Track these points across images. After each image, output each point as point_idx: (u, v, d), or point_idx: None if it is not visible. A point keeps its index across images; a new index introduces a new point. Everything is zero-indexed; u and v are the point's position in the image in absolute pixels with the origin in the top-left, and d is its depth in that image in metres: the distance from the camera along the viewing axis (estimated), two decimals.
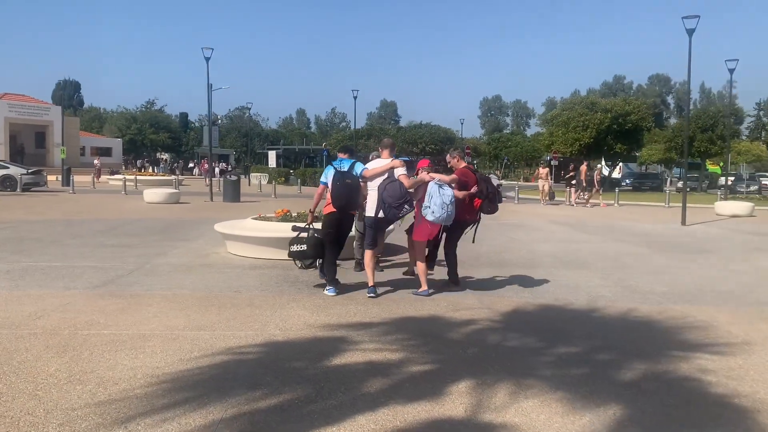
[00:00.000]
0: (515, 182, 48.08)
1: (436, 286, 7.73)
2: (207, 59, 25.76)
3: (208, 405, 3.94)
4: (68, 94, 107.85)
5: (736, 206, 22.28)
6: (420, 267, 7.41)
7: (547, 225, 17.16)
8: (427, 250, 7.70)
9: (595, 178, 26.16)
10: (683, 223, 17.82)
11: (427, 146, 50.09)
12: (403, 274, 8.54)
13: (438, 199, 6.97)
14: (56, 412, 3.80)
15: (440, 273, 8.27)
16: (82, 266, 9.06)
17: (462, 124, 72.26)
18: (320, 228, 7.53)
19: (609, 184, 36.17)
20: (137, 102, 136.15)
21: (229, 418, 3.76)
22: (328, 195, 7.26)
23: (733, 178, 42.54)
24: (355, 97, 44.66)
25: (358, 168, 7.20)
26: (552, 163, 41.08)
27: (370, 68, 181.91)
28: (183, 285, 7.91)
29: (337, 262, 7.67)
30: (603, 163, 47.30)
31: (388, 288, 7.71)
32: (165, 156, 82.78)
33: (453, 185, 7.24)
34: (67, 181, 32.30)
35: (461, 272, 8.11)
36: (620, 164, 54.48)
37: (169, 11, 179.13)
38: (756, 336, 5.99)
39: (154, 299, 7.00)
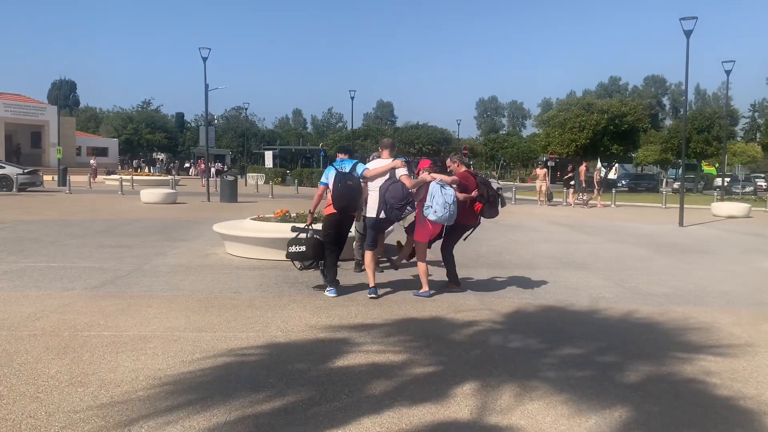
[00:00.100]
0: (512, 183, 48.11)
1: (437, 287, 7.71)
2: (204, 59, 25.69)
3: (212, 407, 3.91)
4: (64, 94, 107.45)
5: (733, 207, 22.35)
6: (421, 268, 7.39)
7: (545, 225, 17.16)
8: (413, 246, 7.67)
9: (594, 178, 26.15)
10: (681, 224, 17.84)
11: (423, 147, 50.06)
12: (388, 260, 8.54)
13: (440, 198, 6.95)
14: (58, 415, 3.76)
15: (440, 274, 8.25)
16: (81, 267, 9.01)
17: (459, 124, 72.39)
18: (320, 229, 7.49)
19: (605, 185, 36.17)
20: (133, 102, 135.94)
21: (233, 420, 3.72)
22: (329, 196, 7.23)
23: (728, 179, 42.63)
24: (352, 98, 44.64)
25: (360, 169, 7.17)
26: (549, 164, 41.13)
27: (366, 69, 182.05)
28: (182, 286, 7.87)
29: (338, 263, 7.64)
30: (599, 163, 47.37)
31: (389, 289, 7.69)
32: (161, 156, 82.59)
33: (454, 186, 7.22)
34: (63, 181, 32.19)
35: (461, 273, 8.08)
36: (616, 165, 54.63)
37: (165, 11, 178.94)
38: (759, 338, 5.98)
39: (154, 300, 6.96)
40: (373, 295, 7.20)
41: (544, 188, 26.79)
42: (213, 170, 33.06)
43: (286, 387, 4.30)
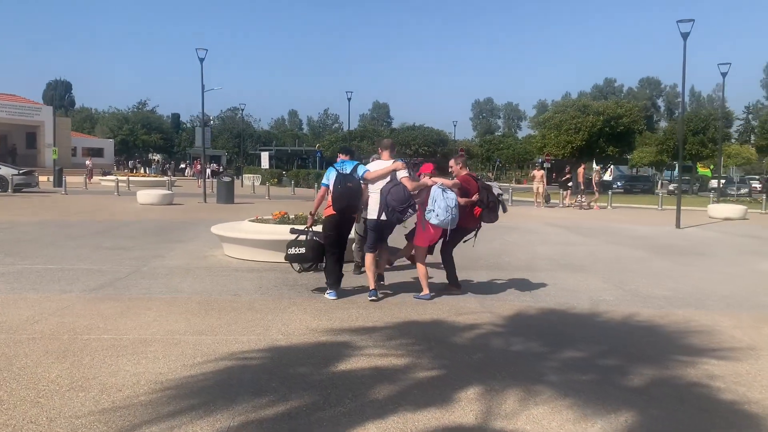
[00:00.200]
0: (508, 184, 48.17)
1: (437, 290, 7.68)
2: (201, 60, 25.64)
3: (215, 412, 3.88)
4: (59, 95, 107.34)
5: (729, 209, 22.40)
6: (421, 271, 7.37)
7: (542, 227, 17.17)
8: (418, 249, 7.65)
9: (594, 180, 26.13)
10: (678, 225, 17.86)
11: (420, 148, 50.02)
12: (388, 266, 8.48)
13: (442, 202, 6.92)
14: (60, 420, 3.72)
15: (440, 276, 8.23)
16: (79, 269, 8.95)
17: (455, 126, 72.40)
18: (320, 231, 7.46)
19: (600, 187, 36.21)
20: (129, 102, 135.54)
21: (237, 426, 3.69)
22: (329, 197, 7.20)
23: (723, 181, 42.75)
24: (349, 99, 44.66)
25: (361, 170, 7.15)
26: (545, 165, 41.18)
27: (362, 70, 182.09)
28: (181, 288, 7.83)
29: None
30: (594, 165, 47.46)
31: (389, 291, 7.66)
32: (157, 157, 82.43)
33: (455, 190, 7.20)
34: (58, 182, 32.06)
35: (460, 275, 8.04)
36: (611, 166, 54.74)
37: (162, 12, 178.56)
38: (760, 341, 5.98)
39: (153, 303, 6.92)
40: (373, 298, 7.17)
41: (541, 190, 26.80)
42: (208, 171, 33.06)
43: (289, 391, 4.27)
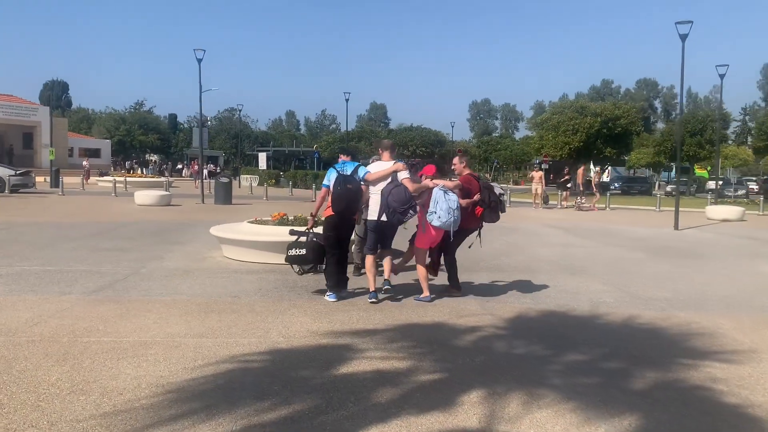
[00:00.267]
0: (505, 185, 48.17)
1: (437, 292, 7.66)
2: (199, 61, 25.60)
3: (217, 416, 3.85)
4: (56, 95, 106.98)
5: (727, 211, 22.42)
6: (421, 273, 7.35)
7: (541, 228, 17.16)
8: (430, 258, 7.63)
9: (593, 181, 26.09)
10: (676, 227, 17.87)
11: (417, 149, 50.03)
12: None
13: (444, 204, 6.90)
14: (61, 424, 3.69)
15: (441, 278, 8.20)
16: (77, 270, 8.91)
17: (453, 127, 72.20)
18: (320, 233, 7.44)
19: (600, 188, 36.25)
20: (126, 103, 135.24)
21: (239, 430, 3.67)
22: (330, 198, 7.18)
23: (720, 183, 42.81)
24: (347, 100, 44.55)
25: (362, 172, 7.13)
26: (543, 166, 41.23)
27: (359, 70, 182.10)
28: (181, 290, 7.80)
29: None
30: (592, 166, 47.52)
31: (389, 294, 7.62)
32: (154, 157, 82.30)
33: (456, 191, 7.18)
34: (55, 183, 31.99)
35: (461, 277, 8.02)
36: (608, 168, 54.78)
37: (157, 12, 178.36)
38: (762, 343, 5.97)
39: (153, 305, 6.89)
40: (373, 300, 7.15)
41: (539, 191, 26.81)
42: (205, 171, 32.95)
43: (291, 395, 4.25)
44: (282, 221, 10.63)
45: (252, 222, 10.98)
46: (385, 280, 7.37)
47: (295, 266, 7.51)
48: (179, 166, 70.10)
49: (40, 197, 26.32)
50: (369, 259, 7.27)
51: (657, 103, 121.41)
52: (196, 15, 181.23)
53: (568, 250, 12.83)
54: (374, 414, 3.96)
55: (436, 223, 6.97)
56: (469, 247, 7.91)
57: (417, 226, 7.47)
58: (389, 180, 7.03)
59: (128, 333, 5.74)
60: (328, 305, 7.05)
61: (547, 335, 6.10)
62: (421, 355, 5.28)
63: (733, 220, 21.52)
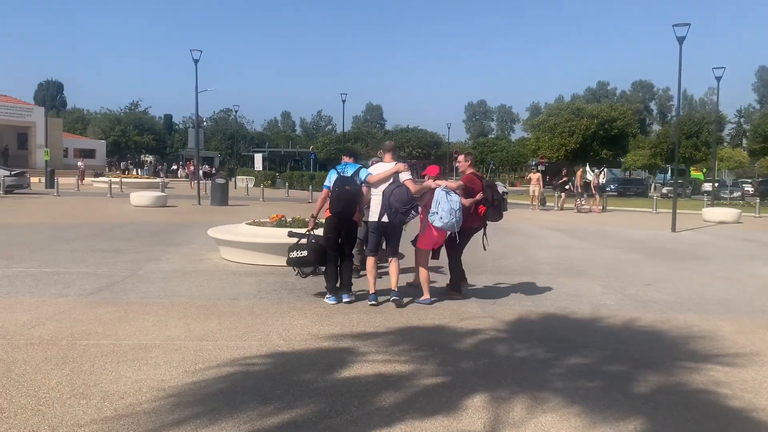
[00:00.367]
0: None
1: (437, 294, 7.63)
2: (195, 61, 25.51)
3: (220, 420, 3.81)
4: (51, 95, 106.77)
5: (724, 213, 22.46)
6: (423, 275, 7.32)
7: (540, 230, 17.16)
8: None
9: (592, 183, 26.04)
10: (673, 229, 17.89)
11: (414, 150, 50.10)
12: (408, 284, 8.15)
13: (446, 205, 6.88)
14: (62, 429, 3.65)
15: (442, 281, 8.19)
16: (75, 272, 8.86)
17: (449, 128, 72.30)
18: (320, 235, 7.40)
19: (599, 190, 36.30)
20: (121, 103, 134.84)
21: None
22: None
23: (716, 185, 42.95)
24: (343, 101, 44.51)
25: (363, 174, 7.10)
26: (539, 168, 41.31)
27: (355, 71, 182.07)
28: (179, 292, 7.75)
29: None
30: (587, 168, 47.57)
31: (389, 297, 7.57)
32: (149, 158, 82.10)
33: (458, 192, 7.16)
34: (50, 184, 31.85)
35: None
36: (604, 169, 54.85)
37: (153, 13, 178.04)
38: (763, 346, 5.96)
39: (151, 307, 6.84)
40: (373, 302, 7.12)
41: (537, 192, 26.81)
42: (200, 172, 32.74)
43: (294, 399, 4.21)
44: (280, 223, 10.58)
45: (250, 223, 10.93)
46: (392, 290, 7.16)
47: (305, 269, 7.38)
48: (174, 167, 69.94)
49: (35, 198, 26.21)
50: (369, 261, 7.24)
51: (652, 105, 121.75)
52: (192, 16, 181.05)
53: (566, 252, 12.82)
54: (378, 418, 3.93)
55: (437, 224, 6.94)
56: (485, 249, 7.92)
57: (419, 225, 7.44)
58: (391, 181, 7.00)
59: (127, 336, 5.70)
60: (327, 308, 7.01)
61: (548, 338, 6.08)
62: (422, 358, 5.26)
63: (729, 222, 21.55)
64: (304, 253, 7.15)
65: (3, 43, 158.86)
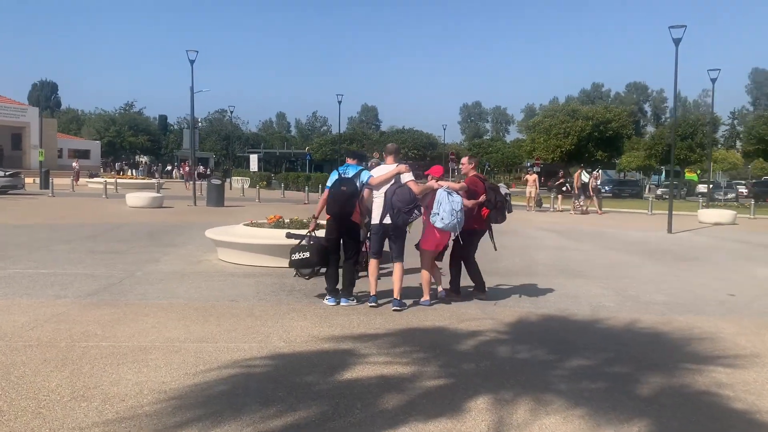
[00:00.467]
0: None
1: (438, 296, 7.60)
2: (191, 62, 25.43)
3: (223, 423, 3.78)
4: (45, 96, 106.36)
5: (719, 214, 22.50)
6: (424, 276, 7.30)
7: (536, 232, 17.16)
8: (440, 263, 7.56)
9: (591, 185, 26.02)
10: (669, 230, 17.92)
11: (409, 151, 50.09)
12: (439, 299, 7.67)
13: (447, 206, 6.86)
14: None
15: (443, 282, 8.14)
16: (72, 273, 8.80)
17: (444, 129, 72.45)
18: (322, 236, 7.37)
19: (597, 191, 36.31)
20: (116, 104, 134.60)
21: None
22: None
23: (711, 186, 43.06)
24: (339, 102, 44.54)
25: (364, 176, 7.07)
26: (535, 169, 41.34)
27: (350, 72, 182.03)
28: (177, 294, 7.71)
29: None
30: (582, 169, 47.64)
31: (389, 299, 7.53)
32: (144, 159, 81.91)
33: (461, 193, 7.15)
34: (45, 184, 31.72)
35: (461, 281, 7.97)
36: (599, 171, 54.96)
37: (148, 14, 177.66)
38: (763, 348, 5.96)
39: (150, 309, 6.80)
40: (373, 304, 7.09)
41: (533, 194, 26.83)
42: (195, 173, 32.60)
43: (296, 401, 4.19)
44: (278, 224, 10.55)
45: (247, 225, 10.88)
46: (394, 299, 7.06)
47: (303, 270, 7.31)
48: (168, 168, 69.79)
49: (30, 199, 26.09)
50: (372, 263, 7.22)
51: (647, 107, 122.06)
52: (187, 16, 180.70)
53: (564, 253, 12.83)
54: (382, 421, 3.91)
55: (439, 224, 6.93)
56: (495, 249, 7.97)
57: (423, 227, 7.42)
58: (393, 182, 6.98)
59: (127, 337, 5.66)
60: (327, 309, 6.98)
61: (549, 340, 6.06)
62: (424, 360, 5.23)
63: (725, 223, 21.59)
64: (307, 254, 7.11)
65: None
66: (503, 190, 7.69)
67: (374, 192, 7.11)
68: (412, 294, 7.64)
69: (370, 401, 4.23)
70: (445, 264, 7.87)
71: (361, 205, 7.17)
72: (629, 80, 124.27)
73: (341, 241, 7.19)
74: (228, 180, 45.40)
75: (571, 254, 12.67)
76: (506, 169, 79.06)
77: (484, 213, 7.50)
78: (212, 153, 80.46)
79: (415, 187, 6.93)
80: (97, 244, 12.17)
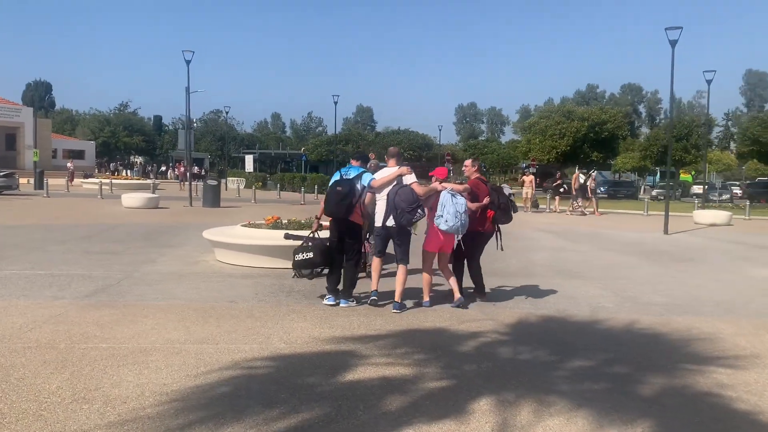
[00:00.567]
0: None
1: (439, 298, 7.58)
2: (188, 62, 25.36)
3: (226, 425, 3.77)
4: (39, 96, 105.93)
5: (715, 215, 22.55)
6: (425, 278, 7.29)
7: (533, 233, 17.17)
8: (451, 265, 7.51)
9: (589, 186, 26.04)
10: (666, 231, 17.96)
11: (405, 152, 50.08)
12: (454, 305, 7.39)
13: (451, 208, 6.85)
14: None
15: (444, 283, 8.15)
16: (69, 274, 8.76)
17: (440, 130, 72.31)
18: (324, 237, 7.36)
19: (594, 193, 36.41)
20: (110, 104, 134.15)
21: None
22: None
23: (706, 187, 43.20)
24: (335, 103, 44.48)
25: (366, 179, 7.06)
26: (531, 170, 41.40)
27: (346, 73, 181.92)
28: (176, 294, 7.68)
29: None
30: (577, 170, 47.73)
31: (390, 300, 7.51)
32: (139, 159, 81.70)
33: (465, 195, 7.14)
34: (39, 185, 31.57)
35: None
36: (594, 172, 55.06)
37: (143, 14, 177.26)
38: (763, 348, 5.98)
39: (149, 310, 6.77)
40: (374, 297, 7.13)
41: (530, 195, 26.87)
42: (189, 174, 32.41)
43: (299, 403, 4.17)
44: (276, 225, 10.53)
45: (245, 225, 10.86)
46: (395, 302, 7.05)
47: (304, 270, 7.25)
48: (163, 168, 69.59)
49: (25, 199, 25.97)
50: (375, 261, 7.31)
51: (641, 108, 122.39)
52: (182, 16, 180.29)
53: (561, 254, 12.84)
54: (386, 422, 3.90)
55: (443, 227, 6.92)
56: (501, 249, 7.89)
57: (426, 229, 7.42)
58: (395, 183, 6.98)
59: (126, 339, 5.63)
60: (327, 310, 6.97)
61: (549, 341, 6.06)
62: (426, 361, 5.23)
63: (720, 224, 21.65)
64: (311, 254, 7.09)
65: None
66: (506, 190, 7.69)
67: (377, 195, 7.11)
68: (413, 295, 7.63)
69: (373, 403, 4.22)
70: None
71: (361, 207, 7.16)
72: (624, 81, 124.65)
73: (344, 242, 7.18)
74: (224, 181, 45.33)
75: (569, 255, 12.69)
76: (502, 170, 79.09)
77: (489, 215, 7.50)
78: (207, 154, 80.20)
79: (419, 189, 6.92)
80: (94, 244, 12.12)
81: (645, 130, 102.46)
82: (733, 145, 78.54)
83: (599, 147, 45.48)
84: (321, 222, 7.45)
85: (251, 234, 10.26)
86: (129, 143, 77.42)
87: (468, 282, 7.90)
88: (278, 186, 39.46)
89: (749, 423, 4.13)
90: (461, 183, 7.72)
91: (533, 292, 8.48)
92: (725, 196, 43.10)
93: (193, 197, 25.40)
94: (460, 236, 7.26)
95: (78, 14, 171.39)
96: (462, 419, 4.00)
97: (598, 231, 18.49)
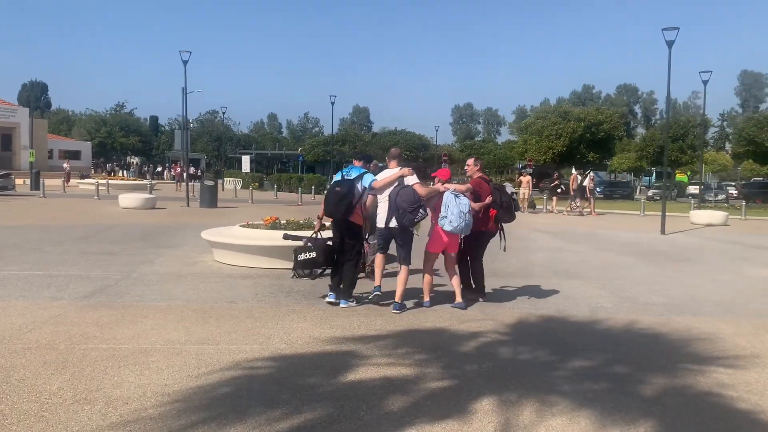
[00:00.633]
0: None
1: (440, 299, 7.58)
2: (185, 63, 25.32)
3: (228, 426, 3.76)
4: (35, 96, 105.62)
5: (711, 215, 22.60)
6: (426, 279, 7.29)
7: (531, 233, 17.18)
8: (457, 267, 7.53)
9: (588, 187, 26.07)
10: (663, 232, 18.00)
11: (402, 153, 50.13)
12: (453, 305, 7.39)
13: (455, 208, 6.85)
14: None
15: (444, 285, 8.15)
16: (67, 275, 8.73)
17: (437, 131, 72.45)
18: (321, 237, 7.36)
19: (592, 194, 36.48)
20: (106, 104, 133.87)
21: None
22: None
23: (702, 187, 43.30)
24: (332, 103, 44.49)
25: (367, 180, 7.06)
26: (528, 171, 41.44)
27: (345, 73, 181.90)
28: (175, 295, 7.67)
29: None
30: (574, 171, 47.80)
31: (390, 300, 7.50)
32: (135, 159, 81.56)
33: (468, 195, 7.14)
34: (36, 185, 31.49)
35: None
36: (590, 172, 55.15)
37: (139, 14, 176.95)
38: (763, 348, 5.99)
39: (149, 311, 6.76)
40: (377, 293, 7.14)
41: (527, 195, 26.90)
42: (185, 175, 32.40)
43: (301, 403, 4.16)
44: (274, 225, 10.52)
45: (244, 226, 10.84)
46: (395, 302, 7.04)
47: (304, 270, 7.21)
48: (159, 169, 69.48)
49: (21, 200, 25.89)
50: (378, 257, 7.35)
51: (637, 109, 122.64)
52: (181, 16, 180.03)
53: (559, 254, 12.86)
54: (388, 423, 3.90)
55: (447, 227, 6.92)
56: (504, 250, 7.91)
57: (429, 230, 7.42)
58: (396, 184, 6.98)
59: (126, 340, 5.61)
60: (327, 310, 6.96)
61: (549, 341, 6.07)
62: (427, 361, 5.23)
63: (716, 224, 21.70)
64: (313, 254, 7.09)
65: None
66: (509, 189, 7.70)
67: (378, 196, 7.11)
68: (413, 295, 7.62)
69: (375, 403, 4.22)
70: (441, 264, 7.86)
71: (362, 208, 7.15)
72: (619, 82, 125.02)
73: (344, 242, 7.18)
74: (220, 181, 45.29)
75: (567, 255, 12.71)
76: (498, 170, 79.18)
77: (492, 214, 7.51)
78: (203, 154, 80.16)
79: (421, 190, 6.92)
80: (92, 245, 12.09)
81: (641, 130, 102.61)
82: (728, 146, 78.79)
83: (595, 147, 45.50)
84: (323, 222, 7.45)
85: (250, 234, 10.25)
86: (125, 144, 77.30)
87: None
88: (275, 186, 39.41)
89: (750, 422, 4.14)
90: (463, 183, 7.72)
91: (532, 292, 8.49)
92: (721, 197, 43.22)
93: (189, 198, 25.37)
94: (463, 237, 7.26)
95: (75, 14, 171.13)
96: (465, 419, 4.00)
97: (596, 231, 18.52)
